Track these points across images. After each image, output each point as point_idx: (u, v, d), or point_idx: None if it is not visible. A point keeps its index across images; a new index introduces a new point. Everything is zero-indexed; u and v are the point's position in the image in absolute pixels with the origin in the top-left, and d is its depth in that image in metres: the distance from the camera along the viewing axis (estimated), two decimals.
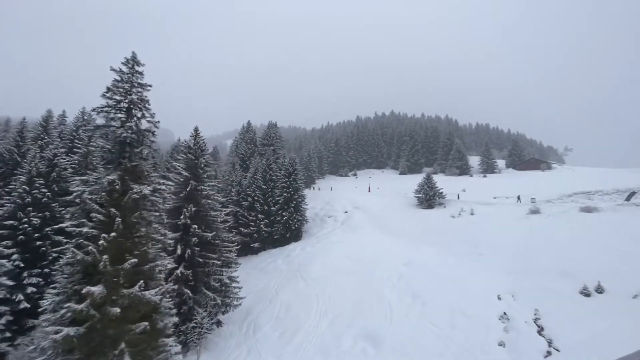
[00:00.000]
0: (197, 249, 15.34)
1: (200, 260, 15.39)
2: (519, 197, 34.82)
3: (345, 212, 36.20)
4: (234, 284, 17.48)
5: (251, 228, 30.32)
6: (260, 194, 31.53)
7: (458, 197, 38.55)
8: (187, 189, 16.06)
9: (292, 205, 30.59)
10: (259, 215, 30.69)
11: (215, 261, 15.52)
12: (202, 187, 16.49)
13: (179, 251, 14.89)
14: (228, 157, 43.71)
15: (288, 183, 31.31)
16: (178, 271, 14.46)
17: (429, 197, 34.88)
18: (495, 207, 31.65)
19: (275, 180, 32.38)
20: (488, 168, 58.87)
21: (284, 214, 30.29)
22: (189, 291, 14.60)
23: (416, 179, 58.27)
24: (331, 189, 49.39)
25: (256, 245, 29.81)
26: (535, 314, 15.05)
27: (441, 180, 51.03)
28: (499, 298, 16.81)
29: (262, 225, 30.33)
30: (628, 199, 28.96)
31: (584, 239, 20.69)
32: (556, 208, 27.73)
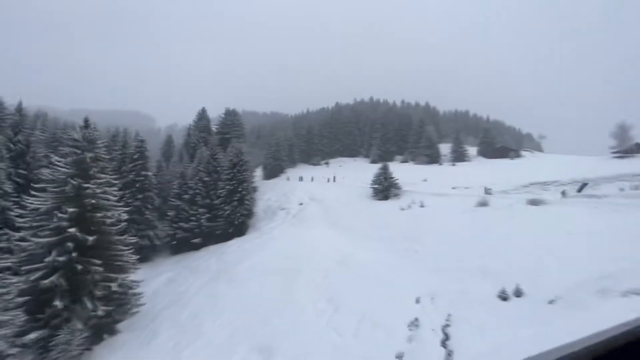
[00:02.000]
0: (74, 254, 13.64)
1: (80, 267, 13.73)
2: (486, 189, 33.72)
3: (300, 204, 34.79)
4: (132, 290, 15.95)
5: (192, 223, 28.72)
6: (202, 186, 29.78)
7: (416, 188, 37.53)
8: (66, 188, 14.20)
9: (236, 198, 28.94)
10: (200, 209, 29.02)
11: (98, 268, 13.86)
12: (88, 185, 14.64)
13: (50, 258, 13.20)
14: (165, 147, 41.44)
15: (232, 175, 29.56)
16: (47, 281, 12.81)
17: (384, 188, 33.65)
18: (448, 198, 30.64)
19: (219, 172, 30.57)
20: (458, 156, 58.04)
21: (226, 207, 28.69)
22: (59, 303, 12.98)
23: (392, 168, 57.42)
24: (301, 179, 47.83)
25: (197, 241, 28.26)
26: (446, 320, 13.98)
27: (407, 169, 50.10)
28: (417, 301, 15.72)
29: (203, 220, 28.72)
30: (579, 190, 28.24)
31: (518, 236, 19.73)
32: (504, 200, 26.80)
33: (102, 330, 14.56)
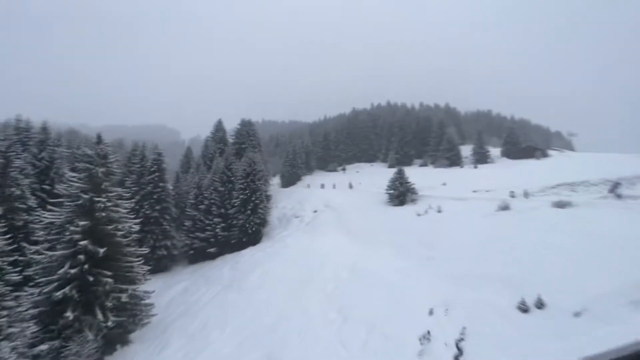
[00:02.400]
0: (86, 266, 14.08)
1: (92, 279, 14.14)
2: (510, 192, 31.98)
3: (315, 212, 34.59)
4: (143, 301, 16.24)
5: (207, 232, 29.16)
6: (217, 196, 30.26)
7: (434, 193, 36.34)
8: (79, 202, 14.76)
9: (250, 207, 29.15)
10: (215, 219, 29.45)
11: (108, 279, 14.22)
12: (99, 198, 15.15)
13: (63, 270, 13.69)
14: (184, 158, 42.52)
15: (245, 184, 29.85)
16: (59, 293, 13.27)
17: (399, 194, 32.78)
18: (467, 202, 29.31)
19: (234, 181, 30.98)
20: (480, 158, 55.75)
21: (240, 217, 28.93)
22: (72, 314, 13.39)
23: (410, 172, 56.04)
24: (322, 186, 47.78)
25: (212, 250, 28.63)
26: (461, 334, 13.14)
27: (425, 173, 48.81)
28: (431, 312, 14.93)
29: (218, 230, 29.10)
30: (611, 190, 26.10)
31: (540, 241, 18.42)
32: (528, 203, 25.28)
33: (114, 340, 14.86)
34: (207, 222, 29.49)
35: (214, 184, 30.72)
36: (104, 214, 15.00)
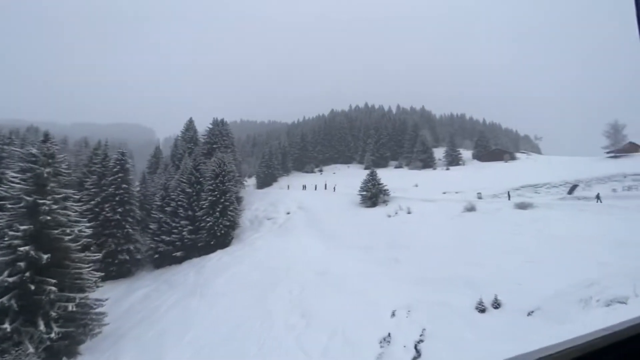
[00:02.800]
0: (27, 274, 13.01)
1: (33, 287, 13.08)
2: (478, 193, 32.90)
3: (288, 214, 34.15)
4: (94, 309, 15.26)
5: (174, 236, 28.06)
6: (185, 197, 29.21)
7: (406, 194, 36.89)
8: (21, 205, 13.65)
9: (218, 209, 28.30)
10: (182, 222, 28.40)
11: (52, 288, 13.21)
12: (44, 200, 14.08)
13: (1, 278, 12.58)
14: (153, 158, 40.90)
15: (214, 185, 28.97)
16: None
17: (371, 195, 32.95)
18: (436, 204, 29.85)
19: (203, 183, 30.02)
20: (452, 160, 57.25)
21: (208, 219, 28.03)
22: (9, 325, 12.31)
23: (384, 174, 56.51)
24: (304, 187, 47.36)
25: (178, 254, 27.55)
26: (420, 336, 13.18)
27: (399, 175, 49.47)
28: (393, 315, 14.91)
29: (185, 233, 28.06)
30: (570, 192, 27.41)
31: (502, 242, 18.95)
32: (492, 205, 26.03)
33: (59, 353, 13.83)
34: (174, 224, 28.39)
35: (182, 185, 29.65)
36: (49, 217, 13.95)
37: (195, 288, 20.70)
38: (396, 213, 28.64)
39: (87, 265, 14.97)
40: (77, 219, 15.35)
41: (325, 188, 47.54)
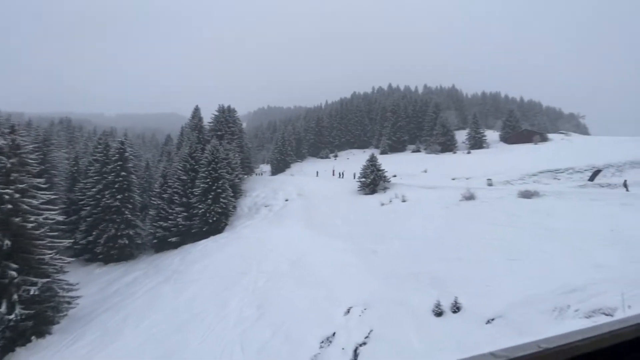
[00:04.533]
0: None
1: None
2: (488, 180, 29.96)
3: (286, 200, 33.69)
4: (63, 293, 15.94)
5: (170, 222, 28.82)
6: (180, 185, 29.72)
7: (413, 180, 34.72)
8: None
9: (210, 196, 28.48)
10: (177, 208, 29.03)
11: (13, 272, 13.85)
12: (6, 190, 14.65)
13: None
14: (164, 147, 41.87)
15: (207, 173, 29.09)
16: None
17: (370, 182, 31.32)
18: (436, 191, 27.60)
19: (198, 170, 30.28)
20: (476, 143, 52.86)
21: (200, 206, 28.35)
22: None
23: (399, 158, 54.26)
24: (316, 174, 46.66)
25: (174, 240, 28.30)
26: (365, 338, 12.12)
27: (412, 160, 46.97)
28: (348, 312, 13.94)
29: (180, 219, 28.69)
30: (591, 178, 23.89)
31: (489, 236, 16.89)
32: (495, 193, 23.45)
33: (25, 332, 14.63)
34: (170, 211, 29.11)
35: (178, 173, 30.16)
36: (10, 206, 14.50)
37: (173, 274, 21.05)
38: (390, 201, 26.92)
39: (50, 251, 15.52)
40: (40, 207, 15.85)
41: (333, 174, 46.41)
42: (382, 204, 26.82)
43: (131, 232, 28.58)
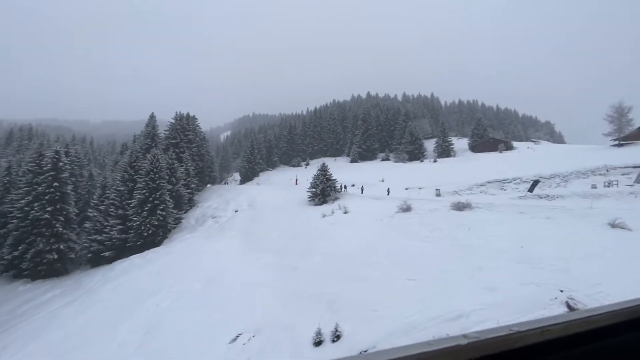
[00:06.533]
0: None
1: None
2: (436, 190, 29.41)
3: (236, 212, 32.57)
4: None
5: (104, 235, 27.35)
6: (117, 196, 28.34)
7: (368, 190, 33.97)
8: None
9: (147, 208, 27.15)
10: (112, 221, 27.60)
11: None
12: None
13: None
14: (118, 156, 40.37)
15: (145, 183, 27.79)
16: None
17: (319, 192, 30.38)
18: (380, 202, 26.85)
19: (137, 180, 28.95)
20: (443, 151, 52.54)
21: (135, 218, 26.97)
22: None
23: (366, 167, 53.61)
24: (298, 180, 45.53)
25: (107, 254, 26.80)
26: None
27: (375, 169, 46.35)
28: (235, 339, 12.78)
29: (114, 232, 27.25)
30: (531, 189, 23.29)
31: (404, 251, 16.13)
32: (430, 205, 22.66)
33: None
34: (105, 223, 27.66)
35: (116, 183, 28.80)
36: None
37: (84, 294, 19.67)
38: (332, 212, 26.00)
39: None
40: None
41: (297, 183, 45.46)
42: (324, 216, 25.85)
43: (62, 247, 27.00)
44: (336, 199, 30.67)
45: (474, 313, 10.55)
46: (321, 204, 30.30)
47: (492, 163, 39.73)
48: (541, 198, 21.92)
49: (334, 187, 30.83)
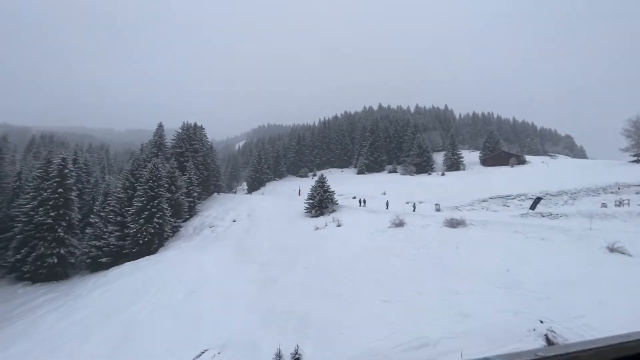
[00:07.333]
0: None
1: None
2: (436, 205, 28.42)
3: (234, 221, 32.65)
4: None
5: (102, 241, 27.89)
6: (117, 203, 28.96)
7: (370, 203, 33.32)
8: None
9: (144, 215, 27.56)
10: (111, 227, 28.15)
11: None
12: None
13: None
14: (125, 164, 41.48)
15: (144, 191, 28.29)
16: None
17: (316, 204, 29.95)
18: (375, 215, 26.09)
19: (137, 188, 29.54)
20: (452, 165, 51.07)
21: (133, 225, 27.40)
22: None
23: (372, 179, 52.88)
24: (300, 190, 45.64)
25: (104, 260, 27.25)
26: None
27: (382, 181, 45.79)
28: (199, 355, 12.44)
29: (112, 239, 27.75)
30: (533, 207, 22.00)
31: (386, 269, 15.49)
32: (424, 221, 21.76)
33: None
34: (105, 230, 28.24)
35: (117, 190, 29.49)
36: None
37: (71, 299, 19.92)
38: (326, 225, 25.48)
39: None
40: None
41: (299, 194, 45.20)
42: (317, 228, 25.34)
43: (62, 251, 27.65)
44: (333, 211, 30.14)
45: (441, 342, 9.85)
46: (318, 215, 29.83)
47: (500, 178, 38.18)
48: (543, 216, 20.65)
49: (332, 199, 30.33)
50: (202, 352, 12.64)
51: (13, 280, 27.53)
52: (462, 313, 10.83)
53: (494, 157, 50.31)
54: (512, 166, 45.37)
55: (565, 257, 13.67)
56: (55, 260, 27.13)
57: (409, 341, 10.11)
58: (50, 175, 28.59)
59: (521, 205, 25.16)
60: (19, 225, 27.51)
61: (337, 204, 30.77)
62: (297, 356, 10.67)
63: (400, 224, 21.65)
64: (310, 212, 30.47)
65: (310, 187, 32.00)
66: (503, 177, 38.08)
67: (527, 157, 50.27)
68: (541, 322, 10.02)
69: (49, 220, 27.50)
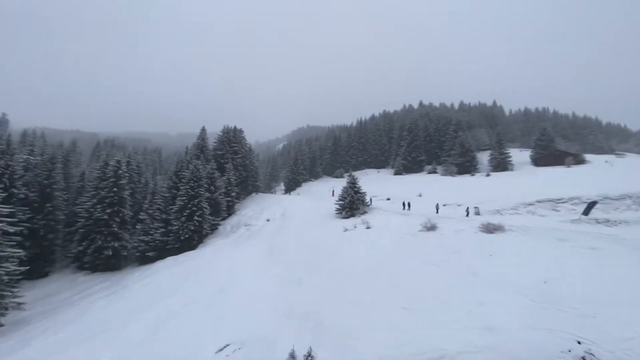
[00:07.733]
0: None
1: None
2: (467, 210, 26.68)
3: (267, 221, 33.58)
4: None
5: (149, 237, 30.35)
6: (162, 201, 31.32)
7: (405, 206, 32.31)
8: None
9: (185, 214, 29.48)
10: (156, 224, 30.52)
11: None
12: None
13: None
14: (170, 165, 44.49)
15: (185, 190, 30.29)
16: None
17: (347, 205, 29.71)
18: (406, 218, 25.16)
19: (180, 188, 31.69)
20: (499, 164, 47.48)
21: (175, 223, 29.45)
22: None
23: (410, 180, 51.32)
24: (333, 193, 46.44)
25: (151, 254, 29.63)
26: None
27: (420, 182, 44.29)
28: (221, 349, 12.97)
29: (157, 234, 30.07)
30: (586, 212, 19.60)
31: (412, 276, 14.87)
32: (459, 225, 20.50)
33: None
34: (151, 226, 30.67)
35: (163, 190, 31.87)
36: None
37: (120, 289, 21.84)
38: (355, 227, 25.15)
39: None
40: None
41: (333, 195, 45.18)
42: (346, 230, 25.13)
43: (116, 245, 30.54)
44: (364, 212, 29.68)
45: (459, 357, 9.25)
46: (348, 217, 29.57)
47: (552, 179, 34.66)
48: (598, 223, 18.35)
49: (363, 200, 29.88)
50: (225, 347, 13.14)
51: (76, 270, 31.06)
52: (487, 326, 10.04)
53: (546, 157, 45.82)
54: (568, 166, 40.97)
55: (617, 271, 12.03)
56: (110, 253, 30.04)
57: (424, 352, 9.61)
58: (107, 175, 31.73)
59: (574, 209, 22.62)
60: (81, 220, 30.96)
61: (369, 205, 30.23)
62: (309, 358, 10.69)
63: (432, 227, 20.66)
64: (341, 213, 30.31)
65: (342, 188, 31.84)
66: (555, 178, 34.53)
67: (588, 156, 45.06)
68: (579, 342, 8.92)
69: (105, 217, 30.54)
